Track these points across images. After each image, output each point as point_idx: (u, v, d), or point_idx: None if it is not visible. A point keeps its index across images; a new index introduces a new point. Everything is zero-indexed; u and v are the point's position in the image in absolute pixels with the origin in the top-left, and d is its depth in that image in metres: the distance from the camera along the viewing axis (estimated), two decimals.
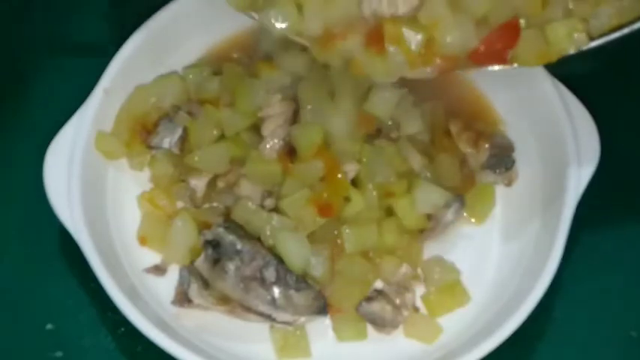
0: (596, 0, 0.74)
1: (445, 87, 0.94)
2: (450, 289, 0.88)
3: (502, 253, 0.91)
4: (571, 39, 0.74)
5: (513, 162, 0.94)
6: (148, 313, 0.84)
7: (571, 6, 0.74)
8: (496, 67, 0.76)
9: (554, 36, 0.74)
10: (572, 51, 0.74)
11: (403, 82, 0.91)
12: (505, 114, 0.96)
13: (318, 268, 0.85)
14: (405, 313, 0.86)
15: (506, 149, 0.94)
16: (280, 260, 0.85)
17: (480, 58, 0.76)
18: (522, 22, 0.75)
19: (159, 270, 0.89)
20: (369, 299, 0.86)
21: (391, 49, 0.75)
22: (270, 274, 0.84)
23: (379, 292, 0.87)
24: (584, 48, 0.74)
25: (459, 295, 0.88)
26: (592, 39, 0.74)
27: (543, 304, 0.84)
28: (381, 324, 0.86)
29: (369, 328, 0.87)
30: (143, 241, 0.90)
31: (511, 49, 0.75)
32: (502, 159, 0.93)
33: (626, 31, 0.74)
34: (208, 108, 0.89)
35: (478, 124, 0.95)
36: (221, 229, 0.85)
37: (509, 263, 0.90)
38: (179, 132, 0.90)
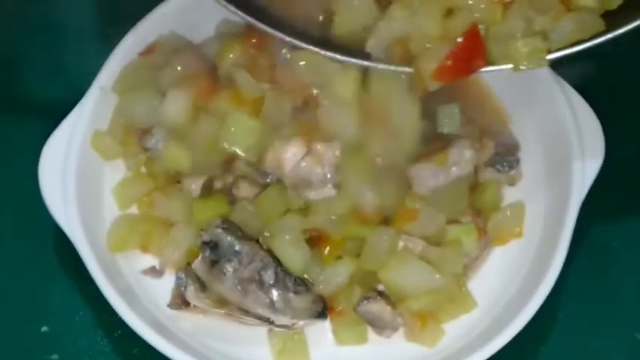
0: (556, 14, 0.76)
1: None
2: (454, 294, 0.87)
3: (505, 255, 0.91)
4: (532, 58, 0.76)
5: (517, 161, 0.93)
6: (144, 315, 0.84)
7: (531, 17, 0.76)
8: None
9: (516, 54, 0.76)
10: (530, 69, 0.77)
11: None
12: (510, 113, 0.96)
13: (317, 270, 0.85)
14: (406, 315, 0.86)
15: (511, 148, 0.94)
16: (279, 262, 0.84)
17: (448, 73, 0.78)
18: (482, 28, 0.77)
19: (156, 272, 0.88)
20: (368, 299, 0.85)
21: None
22: (268, 276, 0.84)
23: (379, 293, 0.86)
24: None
25: (465, 301, 0.87)
26: (551, 51, 0.76)
27: (547, 306, 0.84)
28: (380, 325, 0.85)
29: (370, 333, 0.86)
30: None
31: (479, 59, 0.77)
32: (506, 158, 0.92)
33: (586, 45, 0.76)
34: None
35: (483, 118, 0.94)
36: (219, 230, 0.84)
37: (513, 265, 0.90)
38: None
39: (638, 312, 0.91)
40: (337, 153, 0.83)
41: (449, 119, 0.88)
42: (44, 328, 0.89)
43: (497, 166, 0.91)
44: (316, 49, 0.80)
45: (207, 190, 0.87)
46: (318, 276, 0.84)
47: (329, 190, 0.83)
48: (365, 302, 0.85)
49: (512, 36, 0.76)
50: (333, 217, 0.84)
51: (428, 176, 0.85)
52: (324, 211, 0.84)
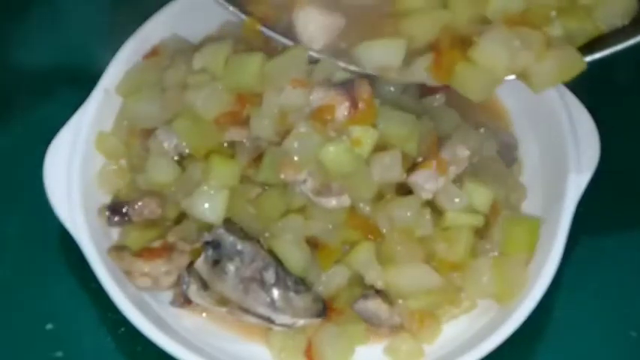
0: (539, 53, 0.77)
1: None
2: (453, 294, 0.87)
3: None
4: None
5: (514, 160, 0.94)
6: (148, 313, 0.85)
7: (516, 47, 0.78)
8: None
9: None
10: None
11: None
12: (510, 113, 0.97)
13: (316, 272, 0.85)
14: (404, 313, 0.86)
15: (509, 147, 0.94)
16: (280, 262, 0.84)
17: None
18: None
19: None
20: (365, 297, 0.86)
21: None
22: (269, 275, 0.84)
23: (377, 291, 0.86)
24: None
25: (464, 301, 0.88)
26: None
27: (543, 305, 0.84)
28: (377, 323, 0.86)
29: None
30: None
31: None
32: (504, 157, 0.93)
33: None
34: None
35: (483, 116, 0.95)
36: (221, 230, 0.84)
37: None
38: (177, 137, 0.89)
39: (632, 310, 0.91)
40: None
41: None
42: (49, 326, 0.89)
43: None
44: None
45: None
46: (317, 277, 0.85)
47: (345, 200, 0.84)
48: (361, 300, 0.85)
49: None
50: (330, 227, 0.85)
51: (426, 181, 0.85)
52: (322, 220, 0.85)
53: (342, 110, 0.82)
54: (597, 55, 0.76)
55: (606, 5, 0.77)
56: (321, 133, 0.82)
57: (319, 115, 0.82)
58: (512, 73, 0.79)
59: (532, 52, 0.77)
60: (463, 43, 0.81)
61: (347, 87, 0.83)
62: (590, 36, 0.77)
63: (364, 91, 0.83)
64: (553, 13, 0.77)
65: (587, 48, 0.77)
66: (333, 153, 0.82)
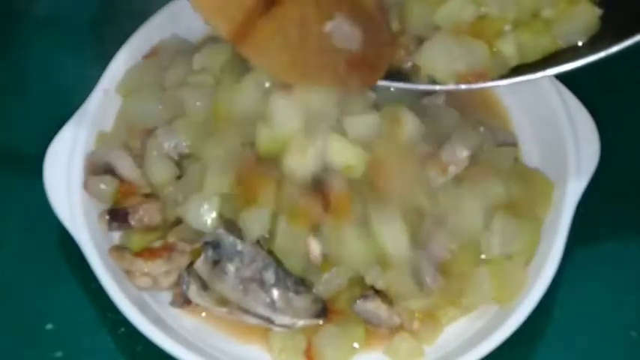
0: None
1: None
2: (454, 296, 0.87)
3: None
4: None
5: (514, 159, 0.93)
6: (148, 313, 0.85)
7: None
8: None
9: None
10: None
11: None
12: (509, 112, 0.97)
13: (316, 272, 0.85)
14: (404, 314, 0.86)
15: (508, 146, 0.93)
16: (280, 262, 0.84)
17: None
18: None
19: None
20: (364, 297, 0.86)
21: None
22: (269, 276, 0.84)
23: (376, 291, 0.86)
24: None
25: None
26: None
27: (543, 304, 0.84)
28: (377, 323, 0.86)
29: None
30: None
31: None
32: None
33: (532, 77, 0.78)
34: None
35: (482, 115, 0.95)
36: (221, 230, 0.85)
37: None
38: (177, 137, 0.89)
39: (633, 310, 0.91)
40: None
41: None
42: (49, 326, 0.89)
43: None
44: None
45: None
46: (317, 278, 0.85)
47: None
48: (361, 300, 0.85)
49: None
50: None
51: None
52: None
53: (315, 211, 0.83)
54: (549, 72, 0.76)
55: (568, 20, 0.77)
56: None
57: (295, 218, 0.83)
58: (455, 80, 0.78)
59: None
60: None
61: (319, 187, 0.83)
62: (546, 51, 0.77)
63: (336, 187, 0.82)
64: (507, 27, 0.78)
65: (543, 63, 0.78)
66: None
